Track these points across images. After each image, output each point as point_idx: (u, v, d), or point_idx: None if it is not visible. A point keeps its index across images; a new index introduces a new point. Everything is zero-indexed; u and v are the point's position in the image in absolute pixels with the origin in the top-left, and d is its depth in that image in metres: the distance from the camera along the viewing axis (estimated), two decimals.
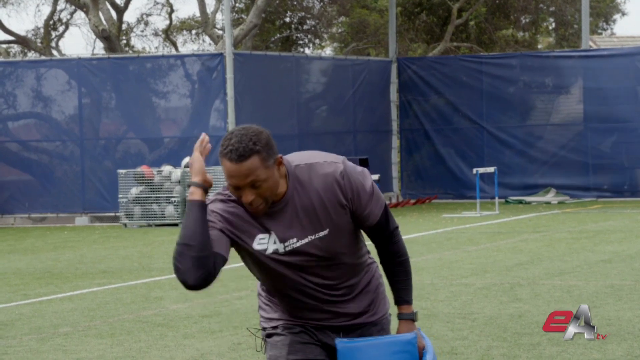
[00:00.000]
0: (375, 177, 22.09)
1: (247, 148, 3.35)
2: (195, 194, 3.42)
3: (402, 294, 3.67)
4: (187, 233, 3.36)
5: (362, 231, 3.63)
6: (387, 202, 24.13)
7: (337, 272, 3.56)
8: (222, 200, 3.48)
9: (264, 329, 3.67)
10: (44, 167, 22.11)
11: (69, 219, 21.61)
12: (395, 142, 25.50)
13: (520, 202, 23.28)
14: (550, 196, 23.59)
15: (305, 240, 3.47)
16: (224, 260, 3.42)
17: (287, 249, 3.47)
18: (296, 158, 3.49)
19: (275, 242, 3.46)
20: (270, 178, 3.39)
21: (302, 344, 3.57)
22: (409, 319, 3.66)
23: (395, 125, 25.42)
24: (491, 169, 21.37)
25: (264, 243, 3.47)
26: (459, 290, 10.17)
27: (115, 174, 20.60)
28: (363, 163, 22.78)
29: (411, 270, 3.71)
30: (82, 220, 21.39)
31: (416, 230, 16.98)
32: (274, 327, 3.64)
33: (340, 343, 3.52)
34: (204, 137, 3.48)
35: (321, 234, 3.47)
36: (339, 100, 24.18)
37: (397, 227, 3.64)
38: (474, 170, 21.19)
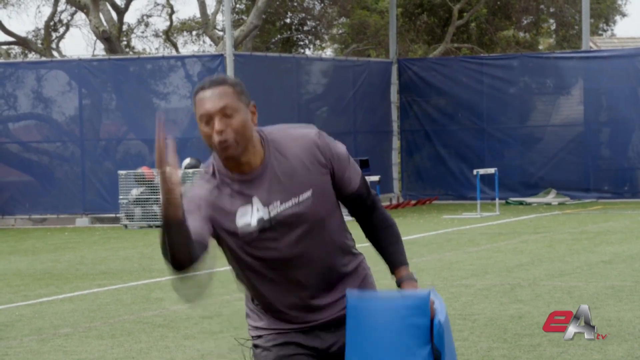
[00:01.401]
0: (376, 178, 22.10)
1: (221, 78, 3.36)
2: (170, 213, 3.18)
3: (397, 257, 3.52)
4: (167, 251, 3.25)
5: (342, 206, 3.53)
6: (388, 203, 24.32)
7: (323, 250, 3.42)
8: (202, 179, 3.39)
9: (252, 337, 3.58)
10: (44, 168, 22.11)
11: (69, 220, 21.61)
12: (396, 143, 25.50)
13: (521, 203, 23.28)
14: (551, 197, 23.59)
15: (289, 203, 3.36)
16: (205, 248, 3.32)
17: (272, 213, 3.35)
18: (269, 128, 3.45)
19: (258, 210, 3.35)
20: (242, 112, 3.31)
21: (288, 356, 3.46)
22: (410, 279, 3.50)
23: (395, 126, 25.42)
24: (492, 170, 21.37)
25: (247, 215, 3.35)
26: (459, 291, 10.17)
27: (116, 175, 20.61)
28: (363, 164, 22.78)
29: (400, 236, 3.57)
30: (82, 221, 21.39)
31: (416, 232, 16.98)
32: (259, 337, 3.54)
33: (352, 295, 3.39)
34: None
35: (305, 195, 3.37)
36: (340, 101, 24.19)
37: (377, 196, 3.54)
38: (475, 172, 21.19)
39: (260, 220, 3.35)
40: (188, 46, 37.48)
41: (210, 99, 3.30)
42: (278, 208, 3.36)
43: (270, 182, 3.36)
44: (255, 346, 3.54)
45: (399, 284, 3.51)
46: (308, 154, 3.38)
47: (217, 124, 3.28)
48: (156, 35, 37.53)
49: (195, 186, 3.39)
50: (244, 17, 33.06)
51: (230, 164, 3.36)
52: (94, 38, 34.29)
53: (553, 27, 38.08)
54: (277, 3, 33.56)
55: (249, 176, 3.36)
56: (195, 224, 3.29)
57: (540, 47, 37.88)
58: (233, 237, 3.38)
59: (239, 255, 3.42)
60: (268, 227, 3.36)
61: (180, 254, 3.21)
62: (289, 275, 3.43)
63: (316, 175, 3.38)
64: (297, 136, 3.40)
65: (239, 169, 3.37)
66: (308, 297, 3.46)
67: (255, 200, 3.35)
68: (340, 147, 3.45)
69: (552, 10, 35.51)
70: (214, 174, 3.39)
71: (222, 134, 3.29)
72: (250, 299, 3.56)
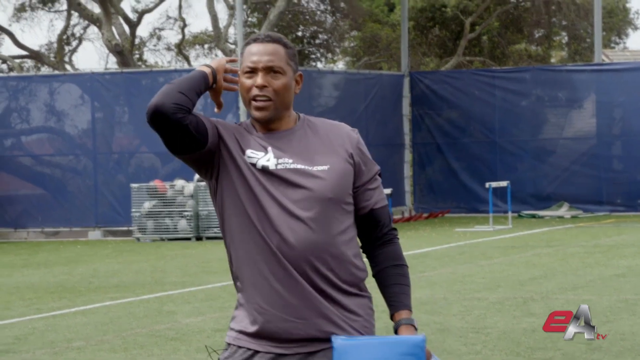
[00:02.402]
0: (388, 191, 22.07)
1: (277, 35, 3.27)
2: (203, 68, 3.25)
3: (402, 299, 3.22)
4: (174, 86, 3.15)
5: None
6: (400, 216, 24.29)
7: (321, 242, 3.13)
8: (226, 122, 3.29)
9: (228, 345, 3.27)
10: (57, 181, 22.16)
11: (82, 233, 21.64)
12: (408, 155, 25.49)
13: (533, 216, 23.23)
14: (564, 210, 23.53)
15: (300, 166, 3.17)
16: (201, 135, 3.16)
17: (279, 166, 3.17)
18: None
19: (268, 160, 3.18)
20: (287, 76, 3.21)
21: None
22: (410, 324, 3.21)
23: (407, 139, 25.41)
24: (504, 183, 21.33)
25: (255, 157, 3.19)
26: (472, 305, 10.14)
27: (128, 188, 20.64)
28: None
29: (410, 279, 3.28)
30: (95, 234, 21.43)
31: (429, 245, 16.95)
32: (227, 345, 3.25)
33: (337, 340, 3.05)
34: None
35: (319, 168, 3.18)
36: (352, 114, 24.20)
37: (396, 229, 3.31)
38: (487, 185, 21.15)
39: (265, 168, 3.18)
40: (200, 59, 37.57)
41: (261, 52, 3.21)
42: (288, 165, 3.19)
43: (291, 145, 3.21)
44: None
45: (397, 328, 3.22)
46: (338, 138, 3.25)
47: (260, 79, 3.19)
48: (168, 49, 37.64)
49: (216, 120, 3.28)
50: (255, 30, 33.14)
51: (262, 126, 3.25)
52: (107, 51, 34.41)
53: (565, 40, 38.06)
54: (289, 16, 33.63)
55: (273, 134, 3.23)
56: (209, 126, 3.19)
57: (553, 60, 37.86)
58: (235, 168, 3.20)
59: (233, 201, 3.19)
60: (272, 174, 3.18)
61: (185, 94, 3.14)
62: (272, 252, 3.16)
63: (339, 158, 3.21)
64: (333, 123, 3.31)
65: (266, 129, 3.25)
66: (289, 291, 3.15)
67: (269, 150, 3.20)
68: (374, 163, 3.31)
69: (564, 23, 35.50)
70: (241, 125, 3.28)
71: (262, 89, 3.19)
72: (235, 277, 3.25)
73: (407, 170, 25.42)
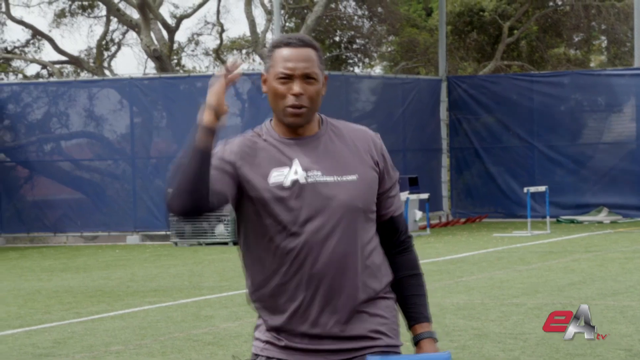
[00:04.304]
0: (425, 195, 22.01)
1: (307, 38, 3.19)
2: (206, 118, 3.16)
3: (422, 310, 3.21)
4: (182, 179, 3.07)
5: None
6: (437, 221, 24.21)
7: (348, 251, 3.10)
8: (243, 136, 3.21)
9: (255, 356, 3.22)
10: (95, 185, 22.30)
11: (120, 238, 21.77)
12: (445, 160, 25.41)
13: (572, 221, 23.07)
14: (603, 215, 23.35)
15: (330, 179, 3.12)
16: (224, 199, 3.09)
17: (310, 180, 3.10)
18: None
19: (296, 172, 3.11)
20: (319, 81, 3.16)
21: None
22: (431, 337, 3.20)
23: (445, 144, 25.34)
24: (542, 188, 21.21)
25: (281, 175, 3.11)
26: (510, 310, 10.08)
27: (166, 192, 20.70)
28: (412, 182, 22.70)
29: (426, 288, 3.28)
30: (133, 238, 21.54)
31: (466, 250, 16.87)
32: (255, 356, 3.20)
33: (371, 358, 3.09)
34: (235, 61, 3.17)
35: (349, 177, 3.14)
36: (389, 119, 24.16)
37: (412, 236, 3.31)
38: (525, 189, 21.04)
39: (295, 183, 3.11)
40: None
41: (296, 58, 3.13)
42: (317, 178, 3.13)
43: (317, 153, 3.16)
44: None
45: (417, 341, 3.22)
46: (364, 143, 3.21)
47: (297, 87, 3.12)
48: (206, 54, 37.80)
49: (230, 142, 3.22)
50: None
51: (288, 130, 3.18)
52: (145, 57, 34.60)
53: (604, 44, 37.80)
54: (327, 21, 33.65)
55: (298, 140, 3.17)
56: (221, 177, 3.10)
57: (592, 64, 37.62)
58: (257, 196, 3.12)
59: (257, 224, 3.14)
60: (299, 194, 3.11)
61: (199, 189, 3.01)
62: (302, 265, 3.11)
63: (365, 166, 3.18)
64: (356, 127, 3.26)
65: (293, 133, 3.19)
66: (315, 304, 3.12)
67: (296, 162, 3.13)
68: (395, 169, 3.30)
69: (603, 27, 35.26)
70: (259, 135, 3.21)
71: (299, 98, 3.13)
72: (260, 294, 3.23)
73: (445, 175, 25.34)
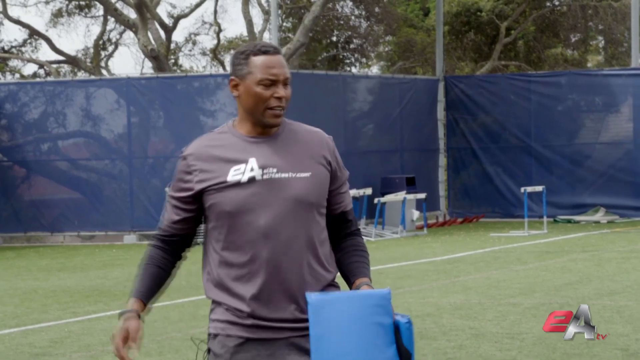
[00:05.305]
0: (422, 195, 22.02)
1: (278, 47, 3.58)
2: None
3: (362, 270, 3.47)
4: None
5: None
6: (434, 221, 24.23)
7: (300, 238, 3.39)
8: (206, 136, 3.50)
9: (210, 336, 3.54)
10: (92, 185, 22.30)
11: (117, 237, 21.77)
12: (442, 160, 25.43)
13: (569, 221, 23.09)
14: (600, 215, 23.38)
15: (286, 175, 3.41)
16: (198, 221, 3.67)
17: (265, 176, 3.40)
18: None
19: (252, 170, 3.41)
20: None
21: None
22: (369, 285, 3.45)
23: (442, 144, 25.35)
24: (539, 188, 21.23)
25: (239, 173, 3.41)
26: (506, 310, 10.10)
27: (164, 192, 20.71)
28: (410, 182, 22.71)
29: (369, 263, 3.54)
30: (130, 238, 21.54)
31: (464, 250, 16.89)
32: (214, 336, 3.52)
33: (312, 296, 3.31)
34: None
35: (303, 174, 3.42)
36: (386, 119, 24.17)
37: (360, 230, 3.60)
38: (522, 189, 21.06)
39: (252, 180, 3.41)
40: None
41: (278, 64, 3.45)
42: (273, 174, 3.41)
43: (274, 151, 3.44)
44: (209, 350, 3.55)
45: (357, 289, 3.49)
46: (317, 146, 3.48)
47: (282, 91, 3.43)
48: (203, 54, 37.79)
49: (189, 154, 3.47)
50: (290, 35, 33.19)
51: (254, 129, 3.46)
52: (142, 56, 34.60)
53: (602, 44, 37.83)
54: (324, 21, 33.66)
55: (259, 139, 3.45)
56: (184, 211, 3.62)
57: (589, 64, 37.64)
58: (219, 192, 3.43)
59: (217, 218, 3.51)
60: (257, 190, 3.40)
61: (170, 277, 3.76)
62: (259, 255, 3.39)
63: (319, 165, 3.46)
64: (311, 129, 3.54)
65: (257, 132, 3.47)
66: (273, 290, 3.39)
67: (252, 160, 3.41)
68: (345, 169, 3.58)
69: (600, 27, 35.28)
70: (223, 133, 3.50)
71: (281, 101, 3.43)
72: (218, 276, 3.53)
73: (442, 175, 25.36)
